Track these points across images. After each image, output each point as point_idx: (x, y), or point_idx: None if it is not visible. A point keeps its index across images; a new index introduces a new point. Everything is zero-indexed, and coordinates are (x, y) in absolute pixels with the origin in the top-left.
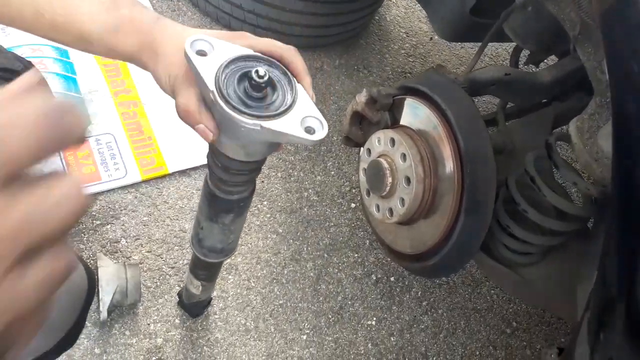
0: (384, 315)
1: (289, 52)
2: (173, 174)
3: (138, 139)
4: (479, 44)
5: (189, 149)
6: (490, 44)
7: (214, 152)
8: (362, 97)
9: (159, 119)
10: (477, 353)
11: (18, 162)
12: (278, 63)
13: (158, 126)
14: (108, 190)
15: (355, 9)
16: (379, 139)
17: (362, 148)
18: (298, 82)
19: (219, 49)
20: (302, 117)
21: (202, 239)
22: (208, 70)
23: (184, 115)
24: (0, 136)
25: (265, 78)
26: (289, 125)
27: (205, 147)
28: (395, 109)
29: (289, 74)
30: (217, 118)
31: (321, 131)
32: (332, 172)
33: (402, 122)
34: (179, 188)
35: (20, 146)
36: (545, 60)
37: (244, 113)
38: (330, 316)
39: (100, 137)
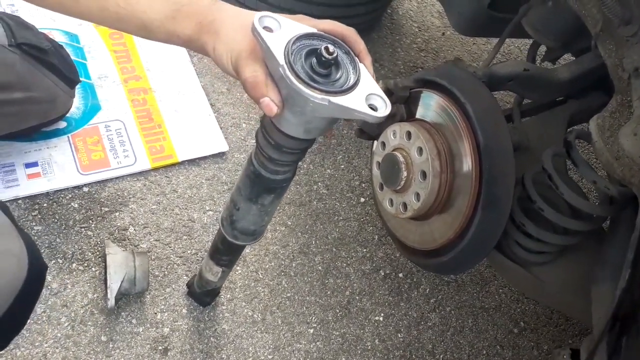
0: (392, 311)
1: (351, 32)
2: (182, 162)
3: (148, 126)
4: (493, 40)
5: (199, 138)
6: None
7: (267, 129)
8: None
9: (169, 106)
10: (484, 352)
11: None
12: (341, 42)
13: (168, 114)
14: (117, 178)
15: (367, 1)
16: (394, 132)
17: (375, 141)
18: (360, 62)
19: (285, 27)
20: (366, 94)
21: (236, 220)
22: (276, 46)
23: (252, 88)
24: None
25: (334, 55)
26: (355, 101)
27: (214, 137)
28: (411, 102)
29: (352, 53)
30: (284, 93)
31: (384, 109)
32: (342, 166)
33: (418, 116)
34: (188, 177)
35: None
36: (559, 60)
37: (314, 88)
38: (337, 310)
39: (109, 123)
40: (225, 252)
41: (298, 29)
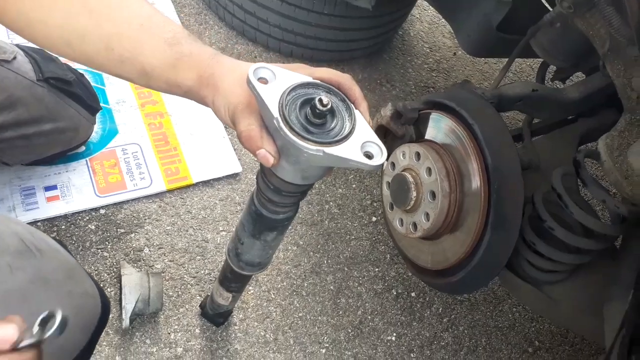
0: (404, 331)
1: (346, 79)
2: (197, 184)
3: (164, 149)
4: (504, 59)
5: (213, 160)
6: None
7: (266, 174)
8: (387, 111)
9: (185, 130)
10: None
11: None
12: (336, 90)
13: (184, 137)
14: (133, 200)
15: (379, 24)
16: (403, 153)
17: (385, 162)
18: (355, 108)
19: (280, 77)
20: (361, 142)
21: (241, 254)
22: (271, 98)
23: (246, 141)
24: None
25: (329, 106)
26: (350, 150)
27: (228, 158)
28: (420, 123)
29: (347, 100)
30: (279, 143)
31: (380, 157)
32: (354, 185)
33: (427, 137)
34: (202, 198)
35: None
36: (571, 78)
37: (308, 139)
38: (349, 330)
39: (126, 147)
40: (233, 280)
41: (293, 79)
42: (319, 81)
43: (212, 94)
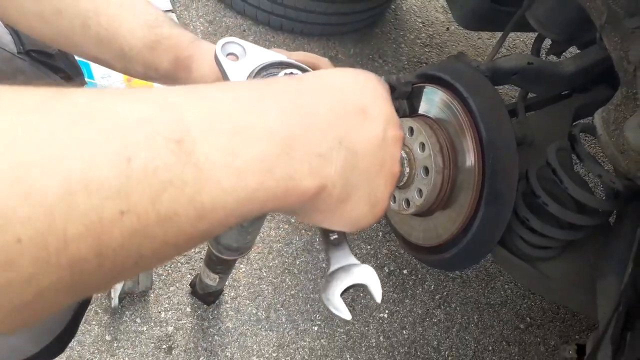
0: (397, 308)
1: (324, 62)
2: None
3: None
4: (498, 34)
5: None
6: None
7: None
8: None
9: None
10: (490, 348)
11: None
12: (311, 71)
13: None
14: None
15: None
16: None
17: None
18: None
19: (251, 54)
20: None
21: (219, 237)
22: (238, 76)
23: None
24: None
25: None
26: None
27: None
28: (413, 97)
29: None
30: None
31: None
32: None
33: (420, 111)
34: None
35: None
36: (564, 54)
37: None
38: None
39: None
40: (217, 263)
41: (265, 57)
42: (293, 61)
43: (185, 77)
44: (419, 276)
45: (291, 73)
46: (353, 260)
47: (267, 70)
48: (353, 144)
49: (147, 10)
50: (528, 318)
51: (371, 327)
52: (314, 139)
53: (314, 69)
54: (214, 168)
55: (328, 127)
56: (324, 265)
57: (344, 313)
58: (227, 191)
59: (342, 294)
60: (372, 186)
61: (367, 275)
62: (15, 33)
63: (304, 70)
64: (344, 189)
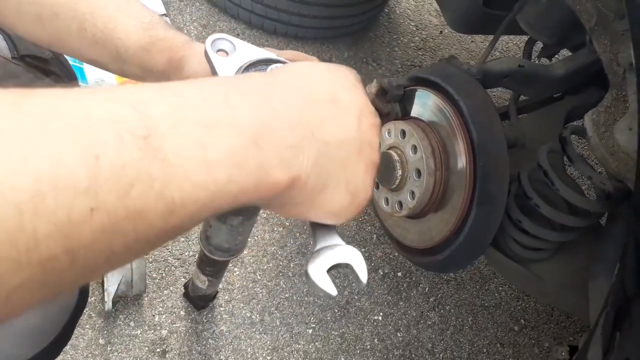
0: (391, 310)
1: (313, 60)
2: None
3: None
4: (491, 37)
5: None
6: (501, 37)
7: None
8: (372, 88)
9: None
10: (485, 350)
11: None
12: None
13: None
14: None
15: (365, 0)
16: (389, 131)
17: None
18: None
19: (241, 50)
20: None
21: (210, 237)
22: (227, 71)
23: None
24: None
25: None
26: None
27: None
28: (406, 100)
29: None
30: None
31: None
32: None
33: (412, 114)
34: None
35: None
36: (557, 55)
37: None
38: (336, 310)
39: None
40: (208, 264)
41: (254, 54)
42: (282, 58)
43: (178, 78)
44: (413, 278)
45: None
46: (339, 240)
47: (255, 66)
48: (326, 134)
49: (142, 13)
50: (522, 320)
51: (365, 330)
52: (284, 130)
53: None
54: (183, 162)
55: (299, 118)
56: None
57: (330, 289)
58: (197, 185)
59: (328, 271)
60: (350, 175)
61: (353, 256)
62: (9, 38)
63: None
64: (318, 179)
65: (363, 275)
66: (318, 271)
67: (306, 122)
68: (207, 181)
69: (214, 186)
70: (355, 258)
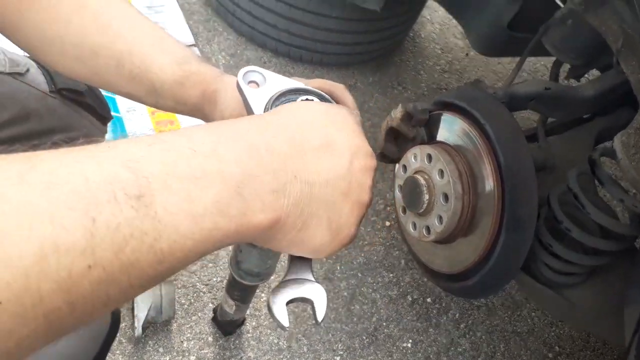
0: (420, 337)
1: (339, 88)
2: None
3: None
4: (517, 58)
5: None
6: (528, 58)
7: None
8: (397, 113)
9: None
10: None
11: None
12: (328, 97)
13: None
14: None
15: (388, 26)
16: (415, 155)
17: (397, 164)
18: None
19: (271, 81)
20: None
21: (240, 262)
22: (259, 102)
23: None
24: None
25: None
26: None
27: None
28: (431, 125)
29: None
30: None
31: None
32: None
33: (438, 138)
34: None
35: None
36: (586, 75)
37: None
38: (364, 337)
39: None
40: (237, 289)
41: (284, 84)
42: (310, 87)
43: (211, 110)
44: (443, 305)
45: (307, 99)
46: (309, 276)
47: (285, 96)
48: (310, 176)
49: (176, 48)
50: (557, 347)
51: (395, 358)
52: (268, 177)
53: (330, 95)
54: (172, 216)
55: (285, 163)
56: (345, 294)
57: (283, 320)
58: (184, 235)
59: (287, 303)
60: (333, 214)
61: (316, 293)
62: (47, 73)
63: (320, 97)
64: (299, 219)
65: (320, 314)
66: (278, 302)
67: (292, 166)
68: (193, 231)
69: (199, 235)
70: (318, 296)
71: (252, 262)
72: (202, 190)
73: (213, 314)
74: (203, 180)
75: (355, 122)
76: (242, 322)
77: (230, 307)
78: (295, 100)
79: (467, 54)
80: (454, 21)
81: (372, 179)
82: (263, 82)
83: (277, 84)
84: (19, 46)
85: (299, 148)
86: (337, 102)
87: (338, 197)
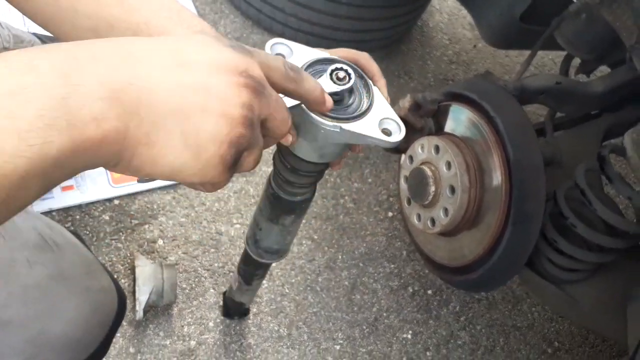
0: (420, 329)
1: (364, 56)
2: None
3: None
4: (527, 52)
5: None
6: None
7: (283, 154)
8: (405, 103)
9: None
10: None
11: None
12: (355, 66)
13: None
14: (147, 191)
15: (397, 14)
16: (422, 146)
17: (403, 155)
18: (374, 85)
19: (297, 53)
20: (379, 119)
21: (259, 240)
22: None
23: None
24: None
25: (345, 81)
26: (368, 127)
27: None
28: (439, 115)
29: (365, 77)
30: (296, 120)
31: (398, 133)
32: (370, 180)
33: (446, 129)
34: (216, 190)
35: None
36: (594, 72)
37: (325, 115)
38: (364, 327)
39: None
40: (251, 269)
41: (310, 55)
42: (336, 57)
43: None
44: (444, 297)
45: (335, 69)
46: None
47: (313, 67)
48: (150, 83)
49: (193, 22)
50: (556, 342)
51: (394, 348)
52: (93, 85)
53: (355, 64)
54: None
55: (116, 70)
56: (346, 283)
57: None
58: (14, 154)
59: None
60: (188, 127)
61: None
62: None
63: (349, 66)
64: (139, 130)
65: None
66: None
67: (124, 73)
68: (22, 149)
69: (30, 152)
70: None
71: (272, 239)
72: (24, 105)
73: (223, 296)
74: (22, 95)
75: (224, 43)
76: (245, 311)
77: (240, 290)
78: (325, 71)
79: (475, 46)
80: (463, 12)
81: (249, 96)
82: (290, 54)
83: (304, 55)
84: (30, 18)
85: (130, 54)
86: (363, 69)
87: (193, 111)
